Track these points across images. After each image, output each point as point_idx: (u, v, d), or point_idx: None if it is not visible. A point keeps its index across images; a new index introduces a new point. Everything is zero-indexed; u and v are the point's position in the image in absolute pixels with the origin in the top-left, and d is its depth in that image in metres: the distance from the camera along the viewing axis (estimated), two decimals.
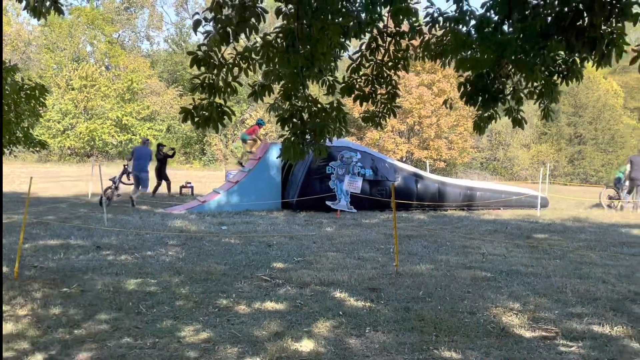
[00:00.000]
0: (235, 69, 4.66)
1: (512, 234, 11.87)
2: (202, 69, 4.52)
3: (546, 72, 5.00)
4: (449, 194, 16.83)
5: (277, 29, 4.67)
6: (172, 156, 19.38)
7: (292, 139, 4.89)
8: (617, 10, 4.14)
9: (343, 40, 5.14)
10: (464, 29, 5.07)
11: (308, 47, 4.56)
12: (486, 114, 5.39)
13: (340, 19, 4.81)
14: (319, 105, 4.84)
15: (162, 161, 18.56)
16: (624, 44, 4.38)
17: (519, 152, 43.71)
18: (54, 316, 5.54)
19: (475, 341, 5.11)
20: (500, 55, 4.56)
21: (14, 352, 4.61)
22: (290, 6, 4.69)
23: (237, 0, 4.33)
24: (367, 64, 5.70)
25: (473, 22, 4.99)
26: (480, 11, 4.80)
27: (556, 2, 4.38)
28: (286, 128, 4.94)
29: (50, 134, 41.24)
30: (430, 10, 5.31)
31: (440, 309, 6.09)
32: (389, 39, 5.63)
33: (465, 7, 5.10)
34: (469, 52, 5.04)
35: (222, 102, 4.53)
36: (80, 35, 48.36)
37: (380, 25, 5.50)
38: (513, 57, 4.57)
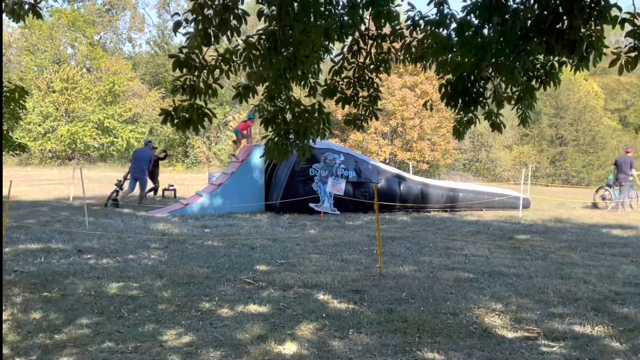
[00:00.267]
0: (216, 71, 4.66)
1: (494, 235, 11.94)
2: (184, 70, 4.51)
3: (525, 77, 5.05)
4: (432, 195, 16.90)
5: (260, 31, 4.67)
6: (163, 158, 19.44)
7: (276, 139, 4.90)
8: (595, 13, 4.19)
9: (327, 43, 5.16)
10: (445, 32, 5.10)
11: (290, 49, 4.57)
12: (465, 119, 5.43)
13: (323, 22, 4.82)
14: (302, 107, 4.85)
15: (154, 164, 18.53)
16: (602, 47, 4.43)
17: (501, 153, 44.01)
18: (34, 321, 5.48)
19: (457, 342, 5.14)
20: (481, 59, 4.59)
21: None
22: (272, 8, 4.69)
23: (218, 2, 4.33)
24: (349, 67, 5.72)
25: (454, 25, 5.03)
26: (461, 14, 4.83)
27: (536, 6, 4.43)
28: (269, 129, 4.95)
29: (30, 137, 40.81)
30: (412, 14, 5.34)
31: (423, 310, 6.11)
32: (370, 41, 5.65)
33: (446, 11, 5.14)
34: (450, 55, 5.08)
35: (202, 103, 4.52)
36: (61, 38, 47.88)
37: (362, 28, 5.51)
38: (493, 60, 4.61)
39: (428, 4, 5.14)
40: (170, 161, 43.74)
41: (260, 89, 5.04)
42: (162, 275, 7.49)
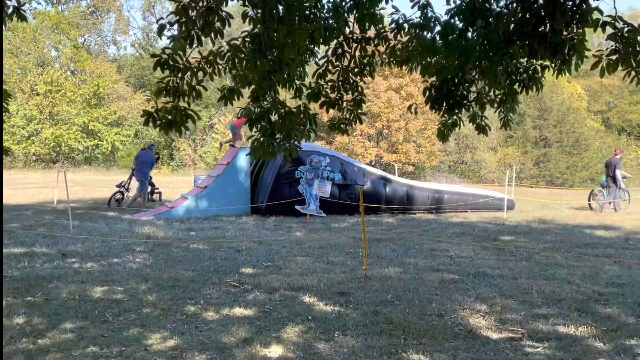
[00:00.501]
0: (200, 73, 4.65)
1: (479, 237, 12.00)
2: (167, 72, 4.50)
3: (508, 81, 5.09)
4: (418, 197, 16.96)
5: (244, 33, 4.67)
6: (155, 161, 19.46)
7: (262, 139, 4.91)
8: (577, 16, 4.23)
9: (312, 46, 5.17)
10: (429, 35, 5.13)
11: (275, 51, 4.57)
12: (450, 121, 5.46)
13: (307, 25, 4.83)
14: (287, 108, 4.86)
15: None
16: (584, 50, 4.47)
17: (486, 155, 44.20)
18: (17, 326, 5.43)
19: (443, 344, 5.15)
20: (464, 61, 4.62)
21: None
22: (257, 10, 4.69)
23: (202, 4, 4.32)
24: (333, 70, 5.72)
25: (438, 28, 5.06)
26: (445, 18, 4.86)
27: (518, 9, 4.46)
28: (254, 129, 4.96)
29: (14, 140, 40.44)
30: (396, 17, 5.36)
31: (408, 312, 6.12)
32: (354, 44, 5.67)
33: (430, 14, 5.17)
34: (434, 57, 5.11)
35: (186, 105, 4.51)
36: (45, 40, 47.54)
37: (347, 31, 5.53)
38: (477, 63, 4.64)
39: (412, 7, 5.17)
40: (156, 164, 43.53)
41: (246, 91, 5.04)
42: (147, 278, 7.46)
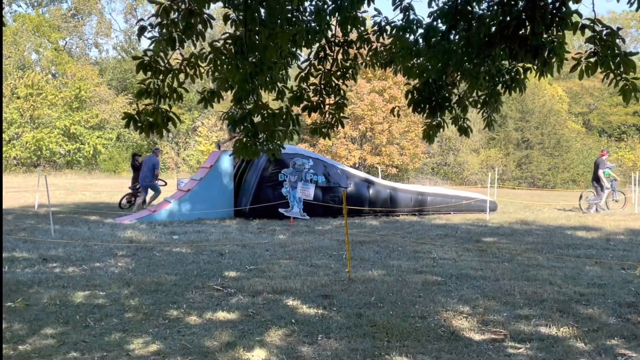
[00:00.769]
0: (181, 75, 4.62)
1: (462, 238, 12.06)
2: (148, 74, 4.47)
3: (490, 82, 5.12)
4: (401, 199, 17.00)
5: (226, 35, 4.65)
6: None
7: (244, 140, 4.90)
8: (557, 19, 4.27)
9: (294, 49, 5.16)
10: (412, 37, 5.15)
11: (257, 54, 4.56)
12: (435, 123, 5.47)
13: (290, 28, 4.82)
14: (269, 110, 4.84)
15: (139, 170, 18.44)
16: (564, 52, 4.50)
17: (468, 157, 44.46)
18: None
19: (426, 345, 5.16)
20: (447, 64, 4.64)
21: None
22: (239, 13, 4.68)
23: (184, 6, 4.30)
24: (315, 73, 5.71)
25: (420, 31, 5.08)
26: (427, 20, 4.88)
27: (499, 12, 4.49)
28: (237, 130, 4.94)
29: None
30: (378, 19, 5.37)
31: (392, 314, 6.13)
32: (337, 48, 5.67)
33: (412, 17, 5.18)
34: (417, 60, 5.13)
35: (167, 107, 4.48)
36: (25, 43, 47.13)
37: (329, 34, 5.53)
38: (459, 65, 4.67)
39: (394, 10, 5.18)
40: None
41: (228, 94, 5.02)
42: (129, 283, 7.40)
